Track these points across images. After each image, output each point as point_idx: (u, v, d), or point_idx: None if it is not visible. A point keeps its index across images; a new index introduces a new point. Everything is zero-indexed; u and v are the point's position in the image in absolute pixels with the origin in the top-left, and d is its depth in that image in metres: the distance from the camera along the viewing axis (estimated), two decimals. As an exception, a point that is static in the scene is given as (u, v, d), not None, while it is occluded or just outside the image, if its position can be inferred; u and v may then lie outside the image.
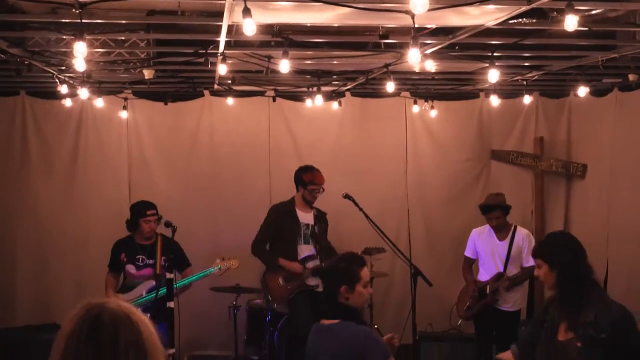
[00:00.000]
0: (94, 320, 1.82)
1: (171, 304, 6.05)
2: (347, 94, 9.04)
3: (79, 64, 4.88)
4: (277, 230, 7.57)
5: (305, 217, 7.65)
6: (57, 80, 7.04)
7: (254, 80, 7.91)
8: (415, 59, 4.03)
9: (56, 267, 8.67)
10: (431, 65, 6.17)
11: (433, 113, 9.12)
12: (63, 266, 8.64)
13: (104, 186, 8.81)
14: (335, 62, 6.80)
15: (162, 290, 6.36)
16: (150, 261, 6.98)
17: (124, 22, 5.33)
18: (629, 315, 3.92)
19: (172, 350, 6.05)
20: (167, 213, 7.55)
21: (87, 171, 8.82)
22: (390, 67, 6.52)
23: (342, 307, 4.10)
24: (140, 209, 7.01)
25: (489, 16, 4.62)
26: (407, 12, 3.84)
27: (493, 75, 6.16)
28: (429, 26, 5.00)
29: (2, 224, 8.68)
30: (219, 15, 4.62)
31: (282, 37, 5.24)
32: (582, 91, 7.69)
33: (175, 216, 7.76)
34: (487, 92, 8.84)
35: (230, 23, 4.71)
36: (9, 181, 8.69)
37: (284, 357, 7.86)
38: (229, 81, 7.66)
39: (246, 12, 3.76)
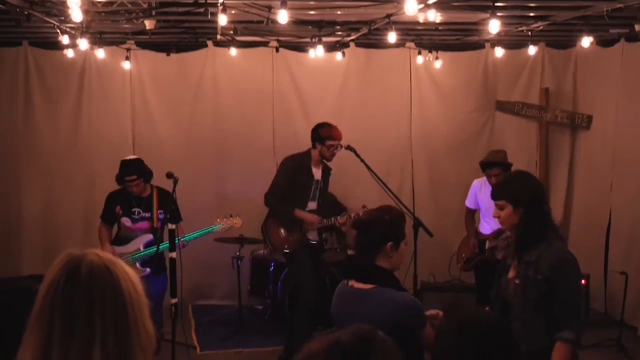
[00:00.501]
0: (71, 272, 1.82)
1: (173, 255, 6.06)
2: (352, 44, 8.95)
3: (75, 14, 4.84)
4: (292, 183, 7.32)
5: (317, 173, 7.49)
6: (58, 31, 7.01)
7: (256, 31, 7.83)
8: (412, 9, 3.98)
9: (62, 215, 8.72)
10: (434, 16, 6.09)
11: (438, 64, 9.01)
12: (69, 215, 8.69)
13: (109, 136, 8.81)
14: (338, 12, 6.73)
15: (163, 245, 6.39)
16: (147, 214, 6.82)
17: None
18: (571, 260, 3.84)
19: (174, 300, 6.09)
20: (170, 162, 7.57)
21: (91, 121, 8.81)
22: (392, 18, 6.42)
23: (380, 271, 3.58)
24: (121, 175, 6.69)
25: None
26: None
27: (494, 26, 6.05)
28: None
29: (8, 172, 8.72)
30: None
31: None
32: (587, 41, 7.58)
33: (179, 165, 7.78)
34: (492, 42, 8.72)
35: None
36: (15, 129, 8.69)
37: (286, 307, 7.95)
38: (232, 32, 7.60)
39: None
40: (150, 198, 6.85)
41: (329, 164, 7.55)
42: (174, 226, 6.10)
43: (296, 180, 7.31)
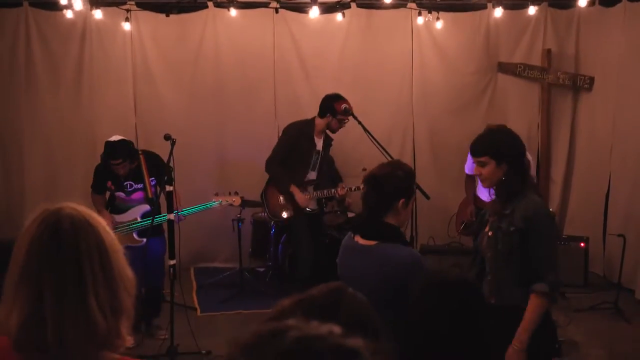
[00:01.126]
0: (53, 226, 1.84)
1: (171, 217, 6.08)
2: (353, 5, 8.85)
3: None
4: (293, 150, 7.33)
5: (319, 143, 7.49)
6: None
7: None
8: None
9: (65, 176, 8.67)
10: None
11: (439, 24, 8.90)
12: (72, 176, 8.62)
13: (110, 97, 8.75)
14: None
15: (159, 218, 6.47)
16: (139, 185, 6.70)
17: None
18: (544, 212, 3.86)
19: (172, 262, 6.12)
20: (171, 124, 7.57)
21: (92, 82, 8.74)
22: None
23: (387, 227, 3.52)
24: (106, 158, 6.49)
25: None
26: None
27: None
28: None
29: (11, 135, 8.69)
30: None
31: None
32: (584, 0, 7.47)
33: (180, 128, 7.79)
34: (494, 3, 8.60)
35: None
36: (16, 92, 8.63)
37: (287, 270, 8.00)
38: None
39: None
40: (140, 168, 6.69)
41: (331, 135, 7.53)
42: (171, 188, 6.08)
43: (297, 148, 7.31)
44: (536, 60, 9.17)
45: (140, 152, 6.79)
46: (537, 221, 3.75)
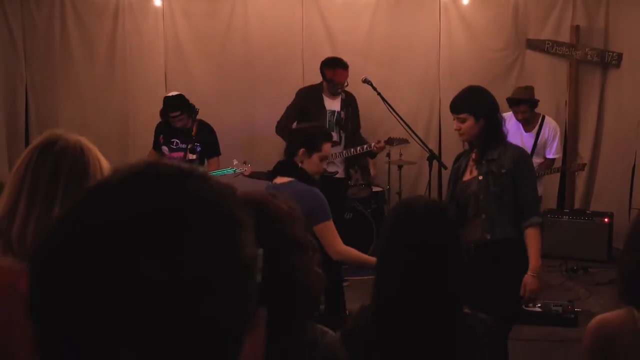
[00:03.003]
0: (48, 143, 2.07)
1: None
2: (381, -18, 8.87)
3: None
4: (302, 114, 7.35)
5: (332, 103, 7.46)
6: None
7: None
8: None
9: (99, 148, 8.84)
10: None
11: (466, 1, 8.88)
12: (105, 147, 8.69)
13: (142, 72, 8.87)
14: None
15: None
16: (184, 145, 6.92)
17: None
18: (526, 153, 4.36)
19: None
20: (201, 98, 7.65)
21: (125, 57, 8.87)
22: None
23: (298, 168, 4.12)
24: (165, 111, 6.78)
25: None
26: None
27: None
28: None
29: (47, 108, 8.88)
30: None
31: None
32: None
33: (209, 101, 7.89)
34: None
35: None
36: (52, 68, 8.80)
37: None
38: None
39: None
40: (190, 130, 6.91)
41: (352, 91, 7.52)
42: (194, 156, 6.28)
43: (307, 110, 7.31)
44: (565, 36, 9.03)
45: (198, 120, 7.01)
46: (524, 163, 4.20)
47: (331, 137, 4.44)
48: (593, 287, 7.16)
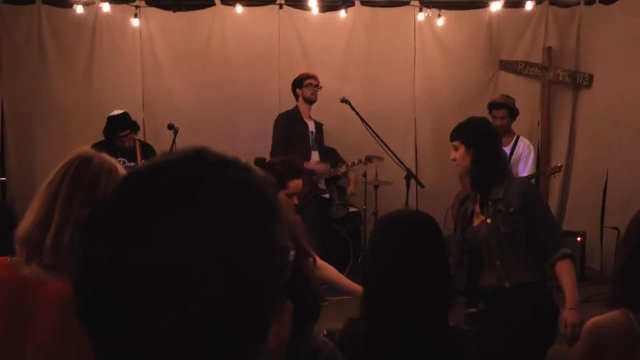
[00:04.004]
0: (85, 158, 2.11)
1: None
2: (357, 2, 8.89)
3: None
4: (288, 137, 7.43)
5: (310, 125, 7.60)
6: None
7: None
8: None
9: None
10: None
11: (440, 21, 8.90)
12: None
13: (120, 91, 8.82)
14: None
15: None
16: (131, 164, 6.90)
17: None
18: (533, 185, 4.03)
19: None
20: (179, 118, 7.64)
21: (102, 76, 8.85)
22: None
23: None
24: (114, 130, 6.78)
25: None
26: None
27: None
28: None
29: (23, 123, 8.86)
30: None
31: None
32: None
33: (187, 121, 7.87)
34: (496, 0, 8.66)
35: None
36: (30, 84, 8.77)
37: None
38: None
39: None
40: (134, 149, 6.96)
41: (319, 120, 7.65)
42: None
43: (292, 131, 7.39)
44: (537, 57, 9.14)
45: (137, 140, 7.08)
46: (533, 196, 3.86)
47: (301, 173, 4.36)
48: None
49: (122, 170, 2.18)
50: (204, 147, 0.93)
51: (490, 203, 3.87)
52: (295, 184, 4.13)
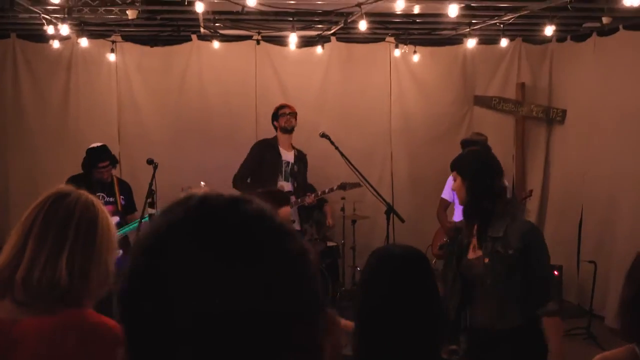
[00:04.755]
0: (61, 195, 2.13)
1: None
2: (333, 39, 8.93)
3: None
4: (259, 163, 7.55)
5: (287, 155, 7.67)
6: (44, 22, 7.05)
7: (237, 24, 7.91)
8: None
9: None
10: (403, 5, 6.13)
11: (415, 57, 8.98)
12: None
13: (96, 125, 8.72)
14: (319, 2, 6.78)
15: (127, 228, 6.57)
16: (111, 199, 6.88)
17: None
18: (537, 229, 3.90)
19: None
20: (155, 152, 7.51)
21: (79, 110, 8.78)
22: (367, 9, 6.47)
23: None
24: (93, 162, 6.70)
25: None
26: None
27: (452, 10, 6.10)
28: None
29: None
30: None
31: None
32: (550, 30, 7.57)
33: (163, 155, 7.74)
34: (470, 37, 8.71)
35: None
36: (3, 118, 8.70)
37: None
38: (216, 24, 7.68)
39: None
40: (112, 184, 6.94)
41: (302, 150, 7.71)
42: (154, 211, 6.21)
43: (263, 159, 7.55)
44: (510, 93, 9.28)
45: (114, 176, 7.07)
46: (535, 242, 3.76)
47: (288, 200, 4.34)
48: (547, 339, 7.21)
49: (100, 206, 2.20)
50: (245, 200, 1.03)
51: (489, 240, 3.78)
52: (284, 211, 4.08)
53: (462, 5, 6.29)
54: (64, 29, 7.00)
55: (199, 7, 5.87)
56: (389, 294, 2.36)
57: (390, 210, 6.45)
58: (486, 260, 3.76)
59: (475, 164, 3.95)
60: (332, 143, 6.87)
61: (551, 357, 3.66)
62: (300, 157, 7.81)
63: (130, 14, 6.95)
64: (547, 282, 3.80)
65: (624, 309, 2.33)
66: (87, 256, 2.07)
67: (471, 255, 3.89)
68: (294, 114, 7.66)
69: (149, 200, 6.62)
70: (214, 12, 6.90)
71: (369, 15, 6.68)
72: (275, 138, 7.76)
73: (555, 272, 8.15)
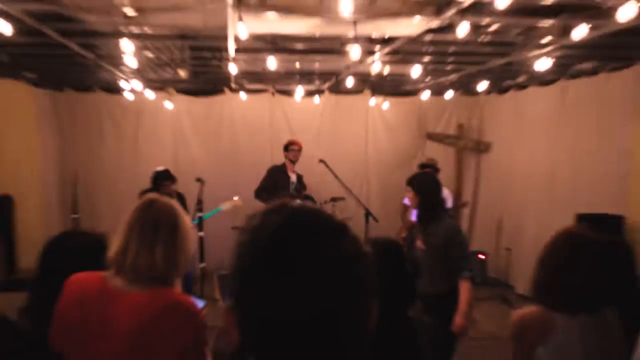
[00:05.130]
0: (151, 202, 2.12)
1: (201, 234, 6.15)
2: (326, 91, 8.98)
3: (129, 59, 4.83)
4: (274, 182, 7.50)
5: (292, 176, 7.65)
6: (120, 75, 7.01)
7: (258, 80, 7.89)
8: (356, 56, 4.03)
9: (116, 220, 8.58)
10: (379, 68, 6.13)
11: (385, 105, 9.04)
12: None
13: (157, 157, 8.69)
14: (317, 64, 6.79)
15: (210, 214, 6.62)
16: None
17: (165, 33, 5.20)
18: (456, 228, 4.05)
19: (203, 264, 6.13)
20: (201, 173, 7.57)
21: (147, 145, 8.79)
22: (351, 70, 6.49)
23: None
24: (161, 180, 6.50)
25: (416, 27, 4.57)
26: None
27: (415, 71, 6.14)
28: (373, 35, 4.94)
29: (89, 183, 8.75)
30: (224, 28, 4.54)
31: (271, 43, 5.20)
32: (484, 85, 7.60)
33: (207, 175, 7.77)
34: (424, 90, 8.75)
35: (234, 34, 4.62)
36: (90, 153, 8.71)
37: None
38: (243, 80, 7.67)
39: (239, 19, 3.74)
40: (171, 196, 6.79)
41: (298, 170, 7.70)
42: (202, 213, 6.19)
43: (276, 179, 7.48)
44: (452, 130, 9.32)
45: (175, 190, 6.92)
46: (453, 233, 3.97)
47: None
48: (475, 302, 7.16)
49: (179, 208, 2.16)
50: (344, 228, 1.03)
51: (427, 234, 4.04)
52: None
53: (421, 67, 6.22)
54: (136, 84, 6.96)
55: (233, 69, 5.80)
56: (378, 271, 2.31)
57: (368, 213, 6.38)
58: (424, 248, 4.05)
59: (425, 184, 4.11)
60: (328, 167, 6.87)
61: (457, 314, 3.82)
62: (299, 178, 7.78)
63: (182, 73, 6.89)
64: (463, 260, 3.92)
65: (541, 288, 2.27)
66: (174, 246, 2.06)
67: (418, 244, 4.14)
68: (299, 150, 7.56)
69: (199, 206, 6.68)
70: (242, 72, 6.83)
71: (353, 74, 6.67)
72: (284, 164, 7.69)
73: (483, 256, 8.19)
